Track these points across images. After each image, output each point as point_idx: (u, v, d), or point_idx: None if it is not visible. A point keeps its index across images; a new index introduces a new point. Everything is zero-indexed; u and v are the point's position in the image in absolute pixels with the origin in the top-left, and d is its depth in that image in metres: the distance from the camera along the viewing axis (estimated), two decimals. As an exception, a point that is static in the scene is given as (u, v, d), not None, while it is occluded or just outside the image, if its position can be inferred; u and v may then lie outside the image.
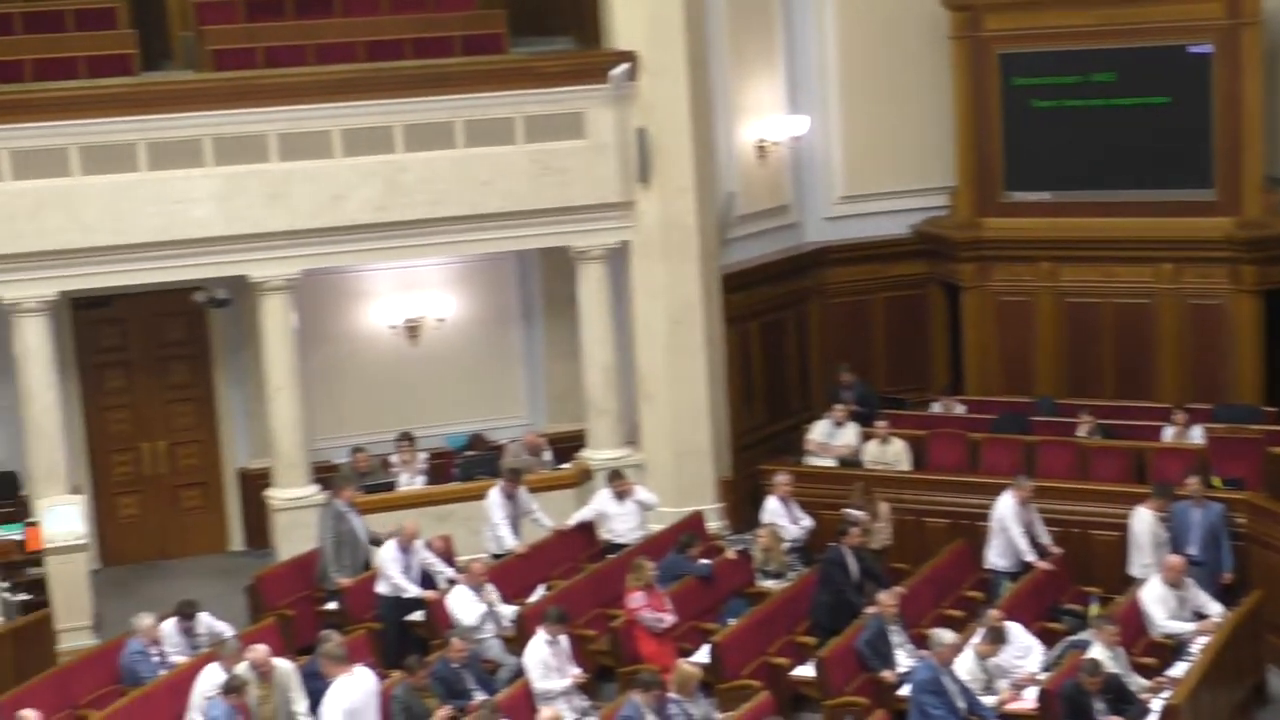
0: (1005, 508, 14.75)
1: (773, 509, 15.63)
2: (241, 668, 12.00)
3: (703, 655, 13.23)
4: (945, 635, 12.31)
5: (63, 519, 15.23)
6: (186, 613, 13.49)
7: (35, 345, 15.54)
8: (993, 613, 12.93)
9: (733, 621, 13.90)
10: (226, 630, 13.48)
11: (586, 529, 15.95)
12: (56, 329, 16.03)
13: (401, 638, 14.19)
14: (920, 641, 13.01)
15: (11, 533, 15.51)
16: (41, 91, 15.73)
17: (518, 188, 16.53)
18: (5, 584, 15.09)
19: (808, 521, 15.72)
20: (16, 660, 13.99)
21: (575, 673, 12.81)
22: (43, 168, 15.35)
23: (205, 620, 13.60)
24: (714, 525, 16.74)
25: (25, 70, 16.11)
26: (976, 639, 12.58)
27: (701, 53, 17.06)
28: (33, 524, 15.34)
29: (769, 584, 14.90)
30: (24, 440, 15.89)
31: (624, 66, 16.52)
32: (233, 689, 11.62)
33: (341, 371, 17.88)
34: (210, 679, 12.12)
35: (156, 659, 13.15)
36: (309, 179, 16.01)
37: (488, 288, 18.39)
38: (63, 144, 15.39)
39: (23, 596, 15.02)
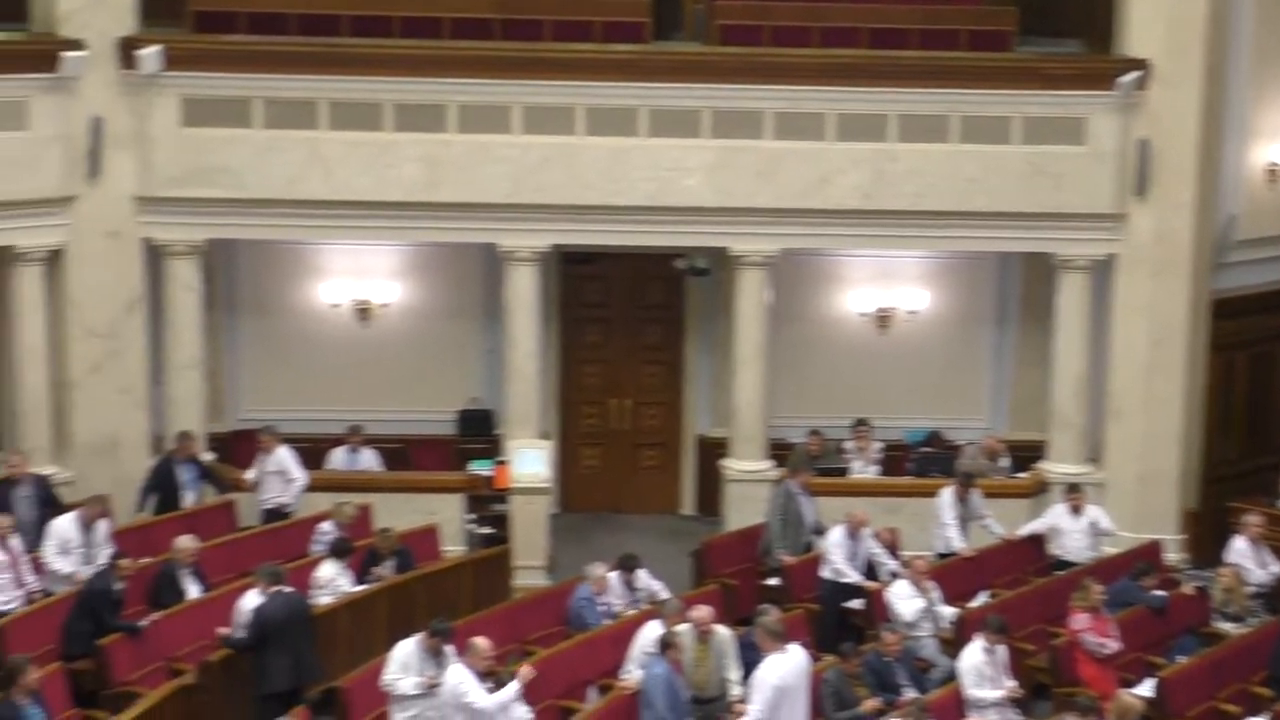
0: None
1: (1239, 549, 14.89)
2: (683, 628, 12.15)
3: (1146, 689, 12.74)
4: None
5: (530, 461, 15.84)
6: (628, 566, 13.83)
7: (524, 293, 16.21)
8: None
9: (1183, 659, 13.36)
10: (662, 590, 13.78)
11: (1037, 541, 15.59)
12: (545, 280, 16.68)
13: (839, 623, 14.24)
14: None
15: (483, 468, 16.28)
16: (557, 51, 16.33)
17: (1007, 188, 16.21)
18: (471, 516, 15.95)
19: (1277, 568, 14.91)
20: (475, 589, 14.72)
21: (1010, 685, 12.52)
22: (550, 125, 15.94)
23: (643, 577, 13.89)
24: (1172, 557, 16.09)
25: (544, 29, 16.77)
26: None
27: (1220, 66, 16.34)
28: (502, 463, 16.03)
29: (1226, 626, 14.22)
30: (504, 382, 16.58)
31: (1134, 75, 15.97)
32: (667, 645, 11.79)
33: (807, 352, 17.96)
34: (651, 635, 12.24)
35: (602, 608, 13.55)
36: (799, 159, 16.12)
37: (964, 286, 18.12)
38: (570, 103, 15.95)
39: (486, 530, 15.80)
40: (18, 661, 11.24)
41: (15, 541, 13.34)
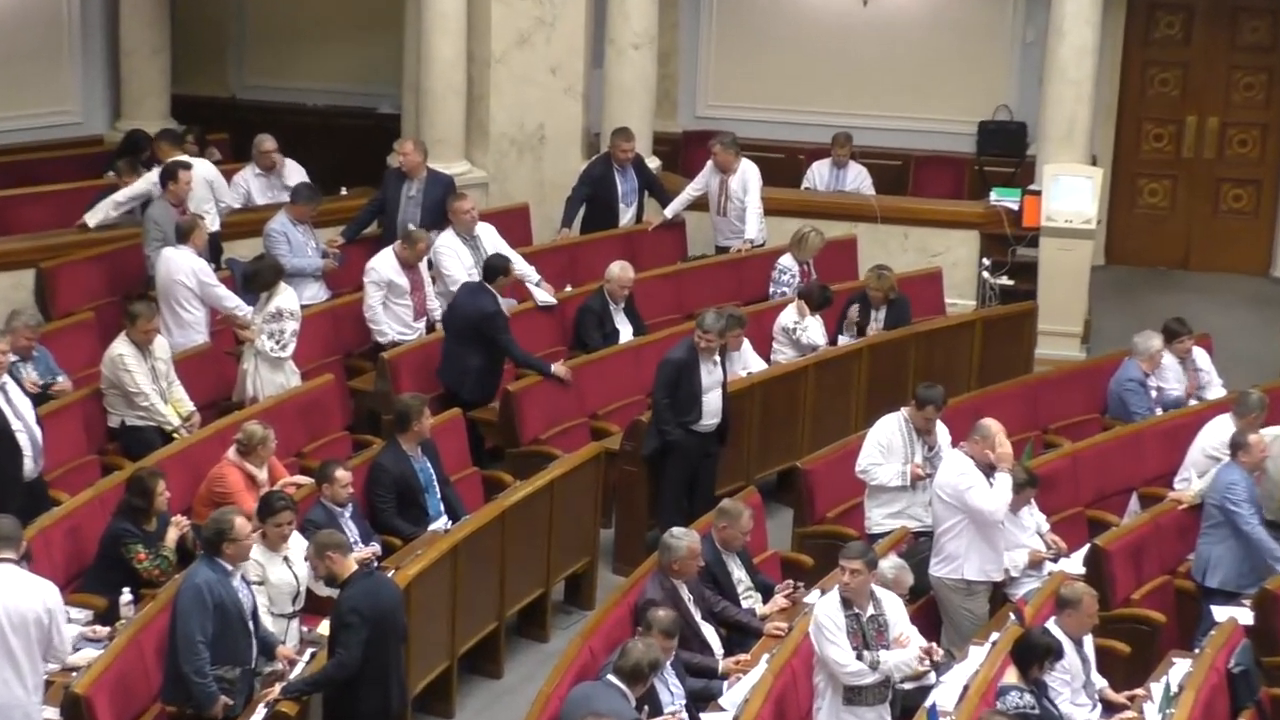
0: None
1: None
2: (1268, 432, 11.41)
3: None
4: None
5: (1072, 194, 15.11)
6: (1174, 331, 13.21)
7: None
8: None
9: None
10: (1213, 377, 13.38)
11: None
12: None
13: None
14: None
15: (1006, 199, 15.60)
16: None
17: None
18: (988, 261, 15.38)
19: None
20: (985, 357, 14.20)
21: None
22: None
23: (1200, 356, 13.32)
24: None
25: None
26: None
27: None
28: (1034, 193, 15.31)
29: None
30: (1043, 87, 15.73)
31: None
32: (1238, 447, 11.19)
33: None
34: (1218, 433, 11.68)
35: (1155, 393, 13.00)
36: None
37: None
38: None
39: (1004, 280, 15.26)
40: (410, 404, 11.11)
41: (424, 267, 13.33)
